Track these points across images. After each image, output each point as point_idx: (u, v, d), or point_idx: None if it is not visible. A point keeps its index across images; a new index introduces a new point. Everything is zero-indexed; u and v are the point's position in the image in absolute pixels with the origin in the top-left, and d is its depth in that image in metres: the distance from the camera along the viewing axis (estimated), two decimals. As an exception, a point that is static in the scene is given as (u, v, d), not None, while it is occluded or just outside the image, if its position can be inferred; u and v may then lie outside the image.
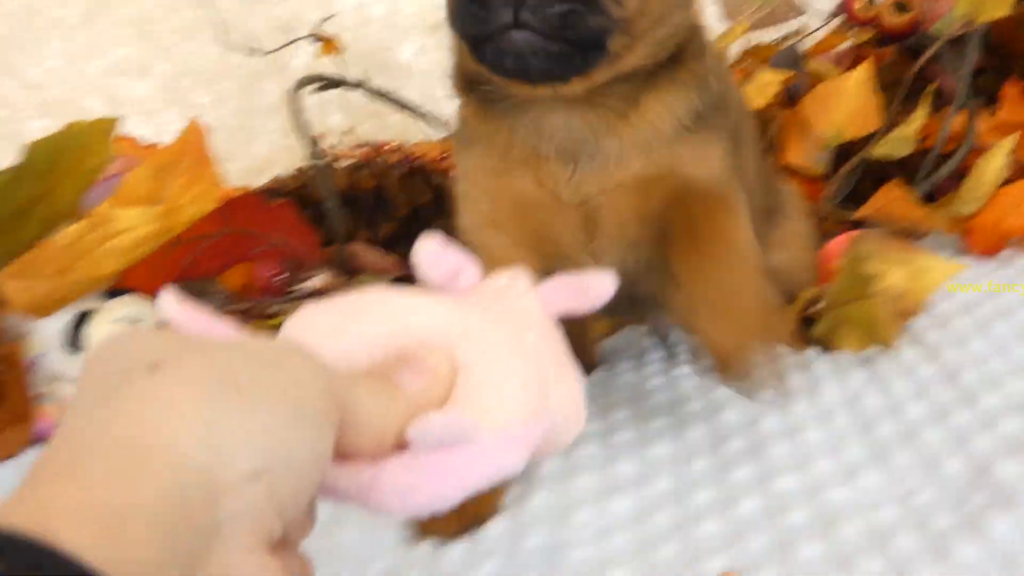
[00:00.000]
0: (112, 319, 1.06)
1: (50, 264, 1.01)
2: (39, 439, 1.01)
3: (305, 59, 1.59)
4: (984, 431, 0.75)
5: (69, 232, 1.04)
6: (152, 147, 1.38)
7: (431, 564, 0.73)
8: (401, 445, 0.48)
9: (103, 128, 1.13)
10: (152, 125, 1.66)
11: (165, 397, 0.42)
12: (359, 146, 1.39)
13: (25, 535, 0.36)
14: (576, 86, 0.76)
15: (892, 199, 1.15)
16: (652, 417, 0.89)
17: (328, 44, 1.42)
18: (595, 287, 0.57)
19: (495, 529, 0.75)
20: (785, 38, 1.53)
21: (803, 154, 1.30)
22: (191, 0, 1.67)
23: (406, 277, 1.31)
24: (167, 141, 1.45)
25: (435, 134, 1.48)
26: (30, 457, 0.98)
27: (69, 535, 0.37)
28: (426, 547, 0.74)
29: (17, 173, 1.08)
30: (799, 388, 0.87)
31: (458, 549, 0.73)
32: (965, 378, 0.83)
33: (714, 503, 0.73)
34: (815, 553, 0.65)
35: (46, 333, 1.06)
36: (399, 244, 1.38)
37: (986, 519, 0.64)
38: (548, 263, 0.82)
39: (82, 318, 1.07)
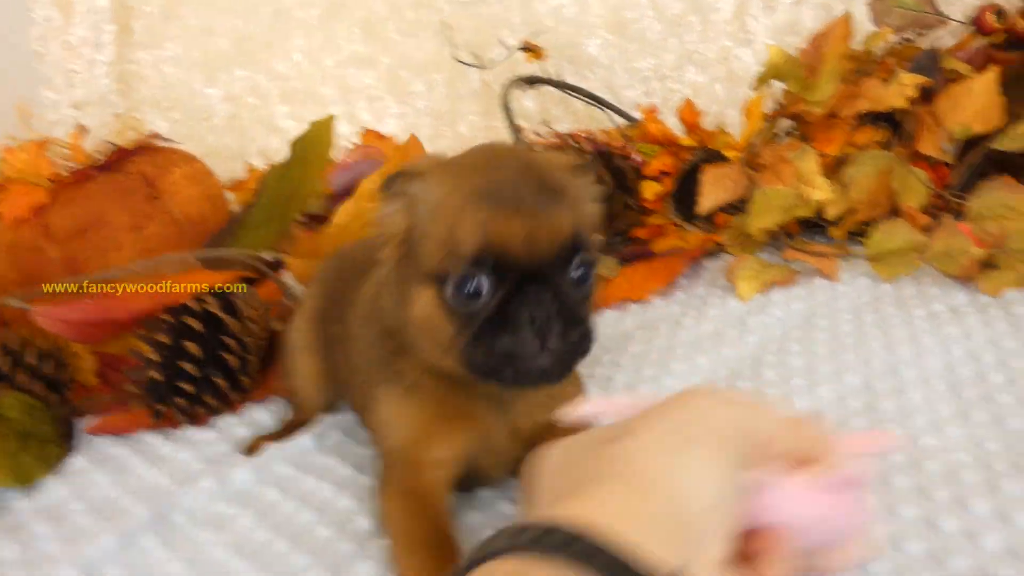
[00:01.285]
0: None
1: (326, 242, 1.31)
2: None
3: (503, 53, 1.86)
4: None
5: (339, 216, 1.33)
6: (385, 138, 1.67)
7: None
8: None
9: (328, 124, 1.40)
10: (375, 110, 1.96)
11: (651, 448, 0.56)
12: (557, 135, 1.64)
13: (597, 536, 0.48)
14: None
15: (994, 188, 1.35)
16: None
17: (534, 52, 1.68)
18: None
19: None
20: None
21: (934, 145, 1.49)
22: (413, 3, 1.94)
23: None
24: (387, 124, 1.74)
25: (618, 121, 1.73)
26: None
27: (629, 536, 0.49)
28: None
29: (287, 164, 1.38)
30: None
31: None
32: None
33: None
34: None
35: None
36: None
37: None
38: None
39: None
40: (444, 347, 0.80)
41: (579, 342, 0.79)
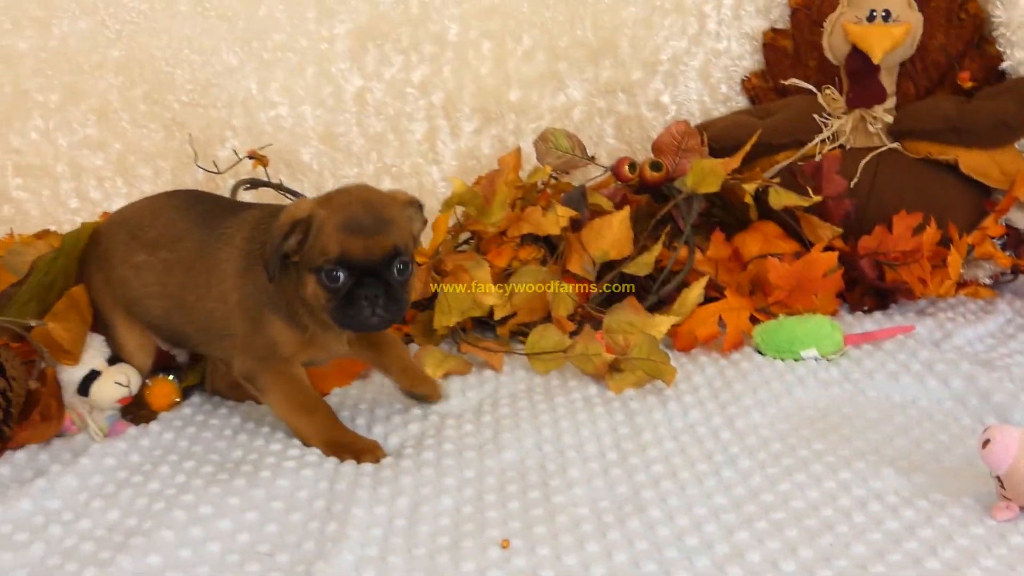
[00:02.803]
0: (113, 381, 1.51)
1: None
2: (61, 433, 1.51)
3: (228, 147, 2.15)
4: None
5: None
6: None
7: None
8: None
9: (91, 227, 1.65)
10: (104, 189, 2.17)
11: None
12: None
13: None
14: None
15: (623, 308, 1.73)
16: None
17: (260, 160, 1.96)
18: None
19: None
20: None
21: (579, 266, 1.84)
22: (145, 97, 2.16)
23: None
24: (116, 203, 1.99)
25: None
26: (55, 447, 1.47)
27: None
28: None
29: (56, 254, 1.57)
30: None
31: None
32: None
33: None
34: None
35: (68, 378, 1.52)
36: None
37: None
38: None
39: (92, 376, 1.51)
40: (322, 308, 1.38)
41: (396, 311, 1.39)
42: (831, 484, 1.28)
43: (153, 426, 1.54)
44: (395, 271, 1.37)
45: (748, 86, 2.28)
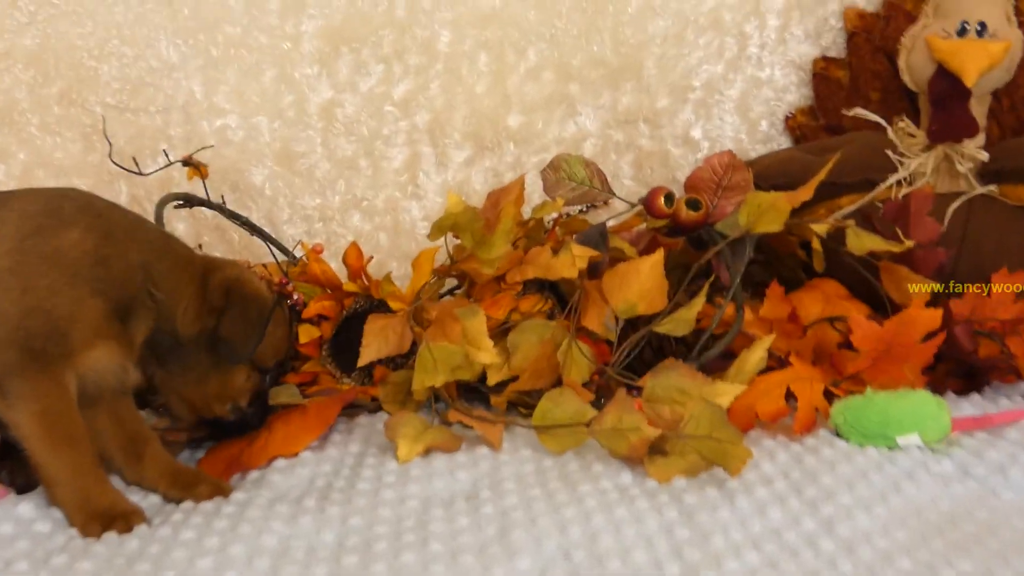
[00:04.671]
0: None
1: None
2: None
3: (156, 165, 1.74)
4: None
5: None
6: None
7: None
8: None
9: None
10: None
11: None
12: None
13: None
14: None
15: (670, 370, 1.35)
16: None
17: (197, 170, 1.56)
18: None
19: None
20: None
21: (598, 321, 1.48)
22: (60, 98, 1.77)
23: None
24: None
25: (279, 256, 1.63)
26: None
27: None
28: None
29: None
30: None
31: None
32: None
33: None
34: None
35: None
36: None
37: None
38: None
39: None
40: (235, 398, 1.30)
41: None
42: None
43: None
44: None
45: (792, 123, 1.95)
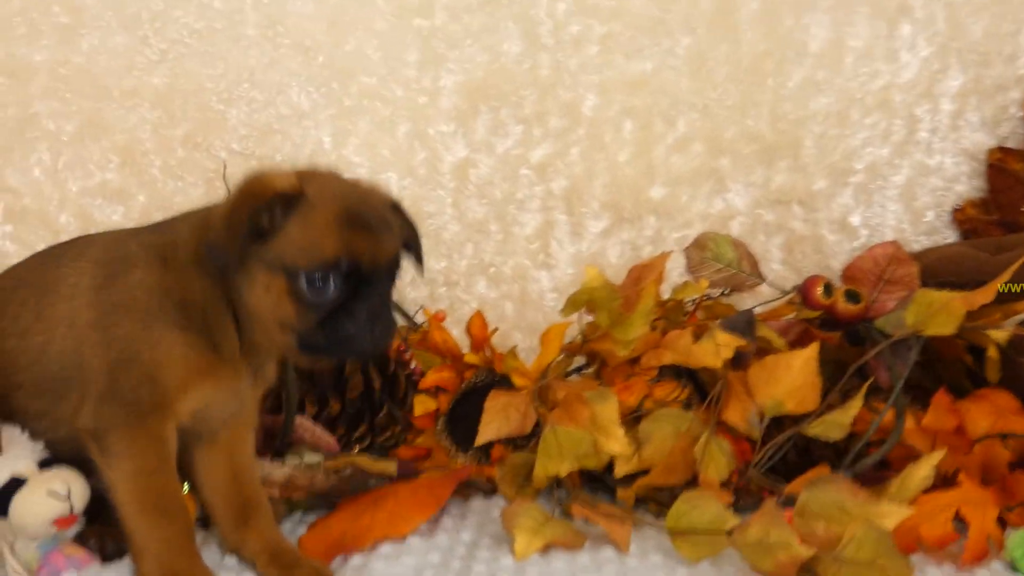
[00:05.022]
0: (45, 491, 1.09)
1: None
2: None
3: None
4: None
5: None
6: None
7: None
8: None
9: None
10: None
11: None
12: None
13: None
14: None
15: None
16: None
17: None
18: None
19: None
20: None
21: (742, 416, 1.36)
22: (185, 140, 1.75)
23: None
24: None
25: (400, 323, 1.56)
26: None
27: None
28: None
29: None
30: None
31: None
32: None
33: None
34: None
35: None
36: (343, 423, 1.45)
37: None
38: None
39: (14, 485, 1.09)
40: (284, 325, 1.08)
41: (390, 331, 1.13)
42: None
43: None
44: (389, 284, 1.14)
45: (961, 216, 1.85)
